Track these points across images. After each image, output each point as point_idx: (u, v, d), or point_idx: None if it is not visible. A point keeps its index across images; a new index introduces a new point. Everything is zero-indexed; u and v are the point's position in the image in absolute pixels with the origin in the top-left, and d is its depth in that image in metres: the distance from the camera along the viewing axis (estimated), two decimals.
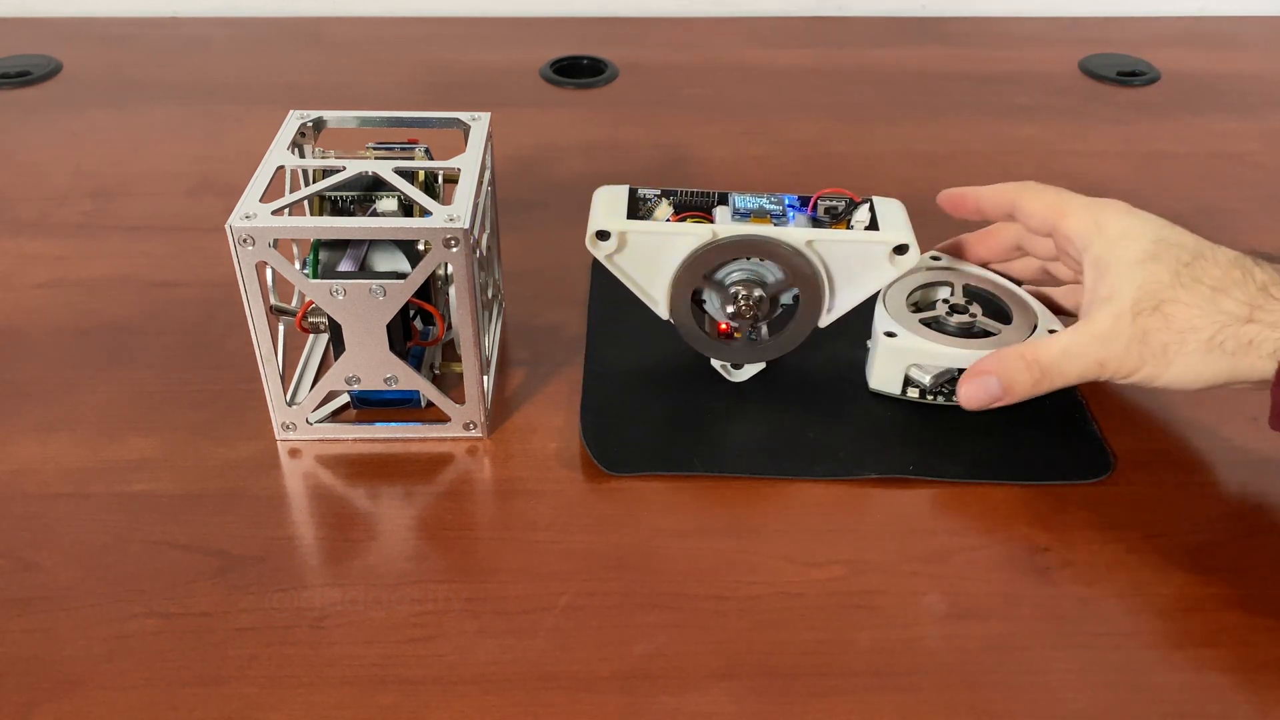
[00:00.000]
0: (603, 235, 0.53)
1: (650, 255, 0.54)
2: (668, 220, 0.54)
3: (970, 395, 0.51)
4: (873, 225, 0.53)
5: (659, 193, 0.55)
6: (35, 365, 0.59)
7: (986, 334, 0.55)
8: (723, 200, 0.55)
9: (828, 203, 0.54)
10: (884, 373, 0.56)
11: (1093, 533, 0.50)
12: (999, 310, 0.57)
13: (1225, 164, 0.81)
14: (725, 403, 0.57)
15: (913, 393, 0.56)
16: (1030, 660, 0.45)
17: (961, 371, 0.54)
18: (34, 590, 0.47)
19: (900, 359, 0.55)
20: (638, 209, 0.55)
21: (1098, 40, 1.00)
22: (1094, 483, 0.53)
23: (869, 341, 0.57)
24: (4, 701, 0.42)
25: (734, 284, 0.53)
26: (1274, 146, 0.84)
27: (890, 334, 0.55)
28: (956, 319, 0.56)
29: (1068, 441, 0.55)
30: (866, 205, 0.54)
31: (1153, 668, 0.44)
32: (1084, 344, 0.48)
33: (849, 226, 0.54)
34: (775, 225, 0.53)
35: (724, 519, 0.51)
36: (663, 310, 0.55)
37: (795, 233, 0.52)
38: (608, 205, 0.54)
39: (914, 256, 0.53)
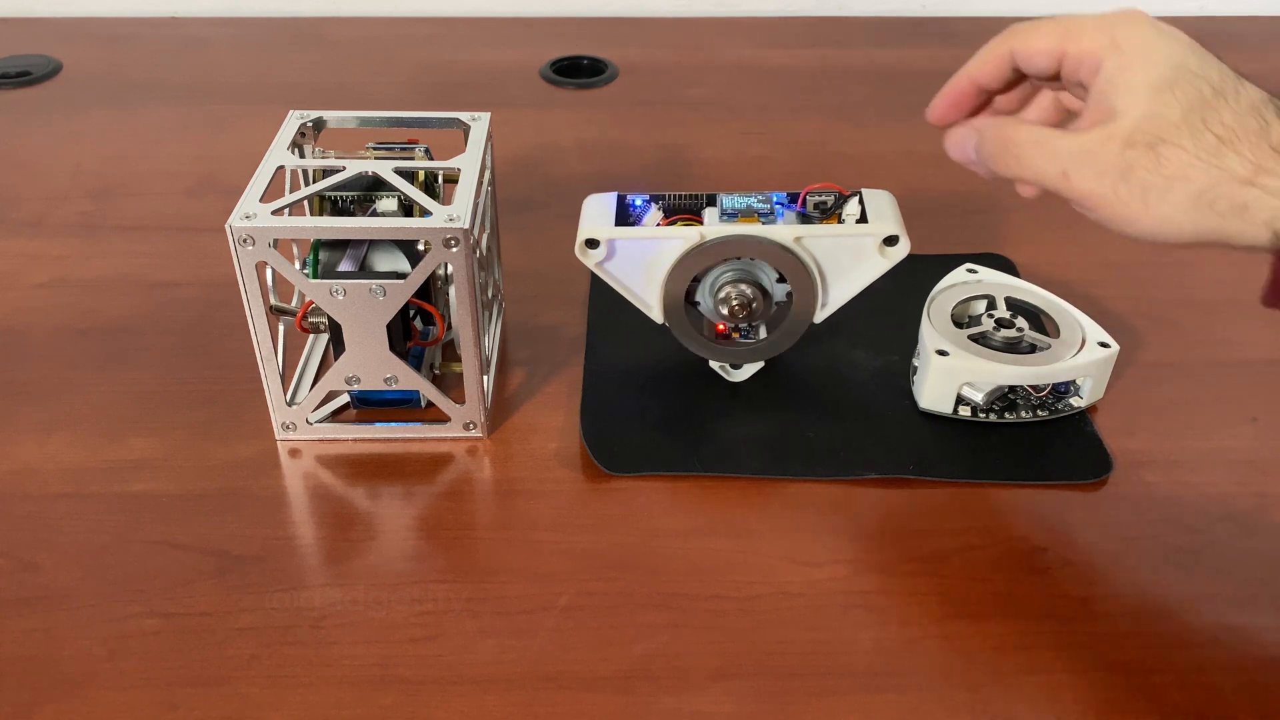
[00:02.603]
0: (592, 243, 0.53)
1: (640, 260, 0.54)
2: (657, 225, 0.54)
3: (950, 146, 0.49)
4: (863, 219, 0.53)
5: (647, 198, 0.55)
6: (35, 365, 0.59)
7: (1035, 348, 0.55)
8: (711, 202, 0.55)
9: (816, 198, 0.54)
10: (936, 392, 0.54)
11: (1092, 533, 0.50)
12: (1042, 323, 0.57)
13: None
14: (725, 403, 0.57)
15: (964, 411, 0.55)
16: (1029, 660, 0.45)
17: (1013, 389, 0.54)
18: (34, 590, 0.47)
19: (953, 378, 0.54)
20: (627, 215, 0.55)
21: None
22: (1093, 483, 0.53)
23: (914, 359, 0.56)
24: (4, 701, 0.42)
25: (725, 284, 0.53)
26: None
27: (942, 352, 0.54)
28: (1003, 334, 0.55)
29: (1067, 442, 0.54)
30: (855, 198, 0.54)
31: (1152, 668, 0.44)
32: (1057, 145, 0.43)
33: (840, 220, 0.54)
34: (763, 224, 0.52)
35: (724, 519, 0.51)
36: (657, 314, 0.55)
37: (783, 230, 0.52)
38: (596, 213, 0.54)
39: (904, 247, 0.52)
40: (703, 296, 0.55)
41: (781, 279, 0.54)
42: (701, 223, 0.54)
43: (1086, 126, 0.43)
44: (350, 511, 0.51)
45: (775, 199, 0.55)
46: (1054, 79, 0.47)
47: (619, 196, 0.55)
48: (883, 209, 0.53)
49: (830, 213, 0.54)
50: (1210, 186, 0.40)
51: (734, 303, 0.53)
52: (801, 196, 0.54)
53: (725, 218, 0.53)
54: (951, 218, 0.72)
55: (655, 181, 0.77)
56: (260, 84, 0.90)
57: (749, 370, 0.58)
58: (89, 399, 0.57)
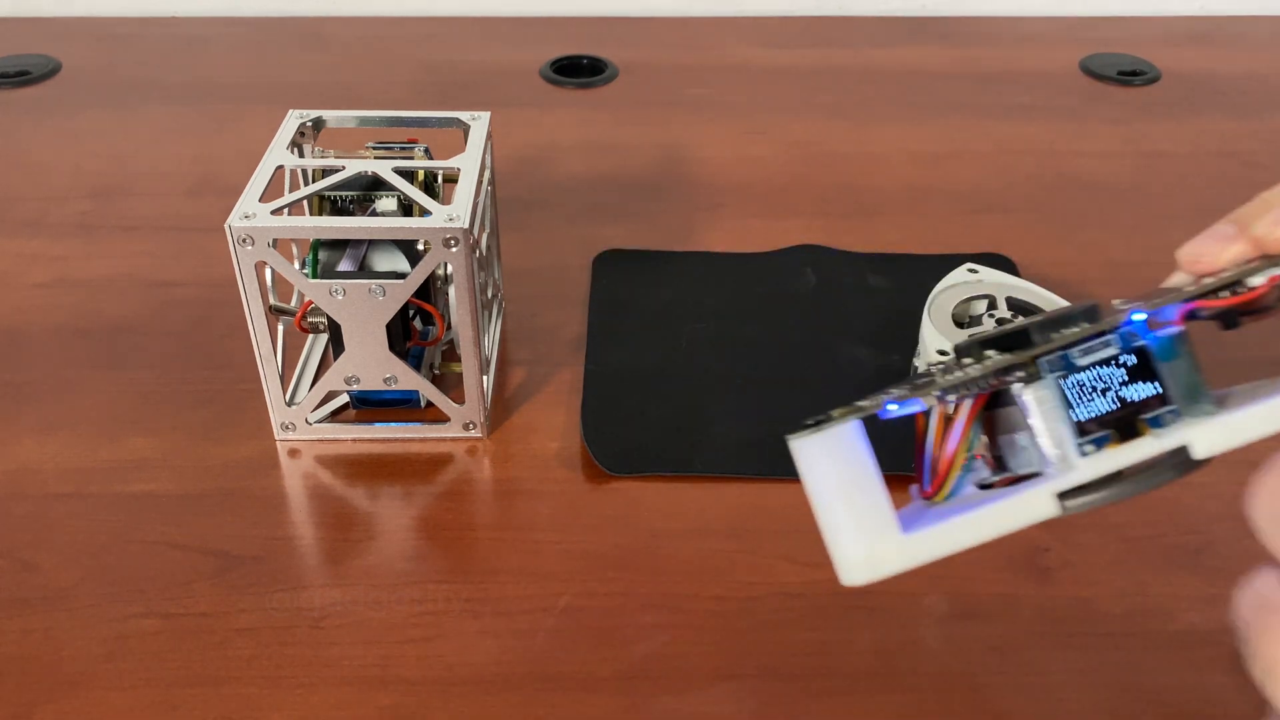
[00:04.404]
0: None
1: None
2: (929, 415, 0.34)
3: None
4: None
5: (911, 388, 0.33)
6: (34, 365, 0.59)
7: None
8: (1029, 378, 0.32)
9: (1208, 310, 0.34)
10: None
11: (1093, 533, 0.50)
12: None
13: (1225, 164, 0.81)
14: (725, 403, 0.56)
15: None
16: (1031, 661, 0.45)
17: None
18: (33, 590, 0.47)
19: None
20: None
21: (1098, 40, 1.00)
22: None
23: (915, 359, 0.56)
24: (4, 701, 0.42)
25: None
26: (1274, 146, 0.83)
27: (943, 352, 0.53)
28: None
29: None
30: None
31: (1153, 669, 0.44)
32: None
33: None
34: (1157, 432, 0.33)
35: (724, 519, 0.51)
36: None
37: (1201, 437, 0.34)
38: (846, 495, 0.34)
39: None
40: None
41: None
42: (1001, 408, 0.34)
43: None
44: (350, 512, 0.51)
45: (1128, 339, 0.32)
46: None
47: (862, 429, 0.33)
48: None
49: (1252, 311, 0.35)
50: None
51: None
52: (1183, 314, 0.33)
53: (1084, 443, 0.32)
54: (952, 217, 0.72)
55: (655, 181, 0.77)
56: (260, 83, 0.90)
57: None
58: (88, 399, 0.57)
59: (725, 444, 0.54)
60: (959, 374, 0.33)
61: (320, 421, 0.55)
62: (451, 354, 0.57)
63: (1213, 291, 0.33)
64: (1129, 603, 0.47)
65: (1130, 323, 0.33)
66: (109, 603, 0.46)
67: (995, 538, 0.32)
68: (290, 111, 0.57)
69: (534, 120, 0.84)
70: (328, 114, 0.57)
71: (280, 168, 0.52)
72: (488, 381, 0.56)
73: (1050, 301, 0.58)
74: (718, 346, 0.60)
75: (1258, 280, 0.33)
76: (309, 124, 0.56)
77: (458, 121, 0.57)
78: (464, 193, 0.50)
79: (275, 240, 0.48)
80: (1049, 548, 0.49)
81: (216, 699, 0.43)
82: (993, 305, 0.57)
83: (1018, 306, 0.57)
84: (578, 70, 0.93)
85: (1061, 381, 0.33)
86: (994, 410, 0.35)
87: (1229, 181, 0.79)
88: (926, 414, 0.34)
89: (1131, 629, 0.46)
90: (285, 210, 0.49)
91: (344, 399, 0.55)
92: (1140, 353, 0.33)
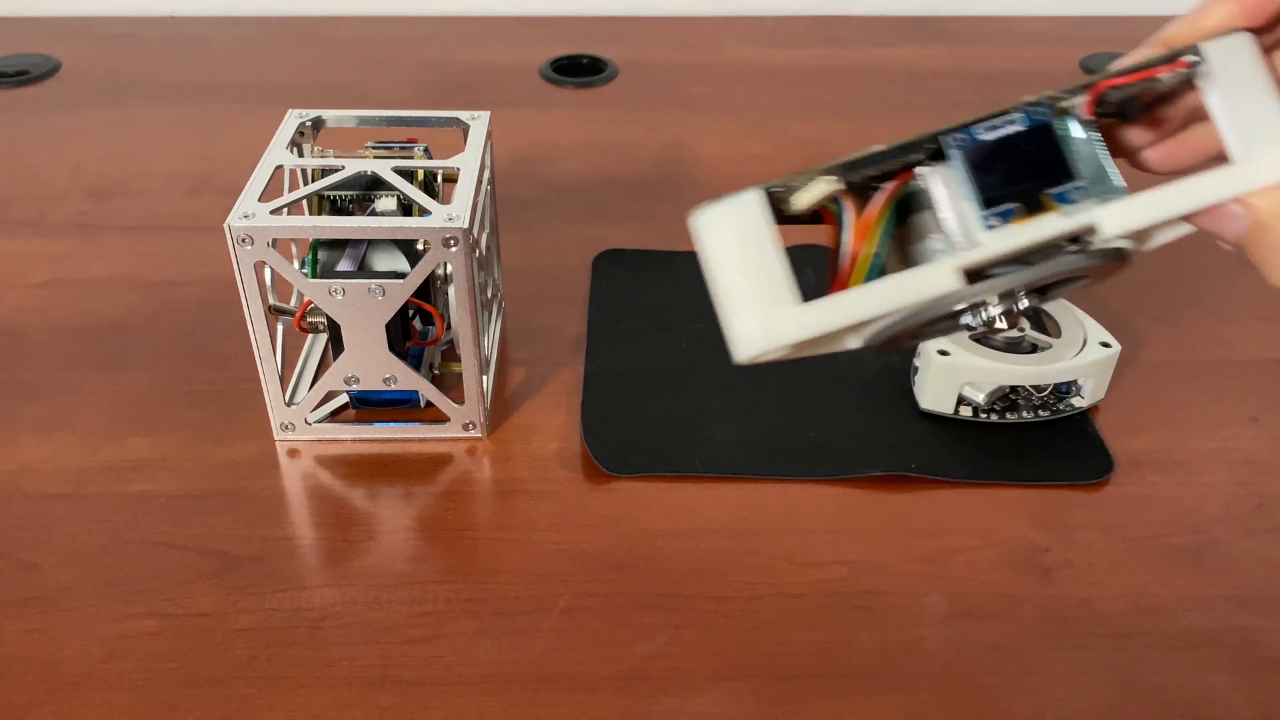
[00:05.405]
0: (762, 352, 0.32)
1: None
2: (840, 212, 0.33)
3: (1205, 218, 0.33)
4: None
5: (818, 171, 0.32)
6: (33, 365, 0.59)
7: (1036, 348, 0.54)
8: (935, 154, 0.32)
9: (1116, 94, 0.34)
10: (937, 392, 0.54)
11: (1093, 533, 0.50)
12: (1043, 322, 0.56)
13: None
14: (726, 403, 0.56)
15: (965, 411, 0.54)
16: (1031, 661, 0.45)
17: (1014, 389, 0.53)
18: (33, 591, 0.47)
19: (954, 377, 0.53)
20: (784, 209, 0.33)
21: (1098, 40, 1.00)
22: (1094, 483, 0.53)
23: (915, 359, 0.56)
24: (3, 702, 0.42)
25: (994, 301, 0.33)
26: None
27: (943, 352, 0.53)
28: (1004, 334, 0.55)
29: (1068, 442, 0.54)
30: (1200, 73, 0.33)
31: (1153, 669, 0.44)
32: None
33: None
34: (1066, 210, 0.32)
35: (724, 520, 0.51)
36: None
37: (1109, 215, 0.32)
38: (745, 267, 0.32)
39: None
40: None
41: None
42: (925, 193, 0.33)
43: None
44: (349, 512, 0.51)
45: (1033, 115, 0.32)
46: None
47: (765, 191, 0.32)
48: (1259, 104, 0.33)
49: (1150, 108, 0.36)
50: None
51: (1007, 317, 0.33)
52: (1091, 99, 0.33)
53: (989, 216, 0.32)
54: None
55: (655, 181, 0.77)
56: (259, 83, 0.90)
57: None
58: (87, 399, 0.57)
59: (725, 444, 0.54)
60: (863, 153, 0.32)
61: (320, 421, 0.55)
62: (451, 354, 0.57)
63: (1115, 75, 0.33)
64: (1129, 603, 0.47)
65: (1037, 103, 0.33)
66: (108, 603, 0.46)
67: (894, 309, 0.32)
68: (289, 111, 0.56)
69: (534, 120, 0.84)
70: (327, 113, 0.57)
71: (280, 167, 0.52)
72: (487, 381, 0.56)
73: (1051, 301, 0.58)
74: (718, 346, 0.59)
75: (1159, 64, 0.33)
76: (308, 123, 0.56)
77: (457, 121, 0.57)
78: (464, 192, 0.50)
79: (275, 240, 0.48)
80: (1049, 548, 0.49)
81: (216, 699, 0.43)
82: None
83: None
84: (578, 70, 0.93)
85: (966, 159, 0.32)
86: (909, 218, 0.34)
87: None
88: (839, 216, 0.33)
89: (1132, 629, 0.46)
90: (285, 210, 0.49)
91: (343, 399, 0.55)
92: (1047, 133, 0.33)
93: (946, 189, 0.32)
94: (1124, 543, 0.50)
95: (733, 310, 0.32)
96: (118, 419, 0.56)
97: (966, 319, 0.33)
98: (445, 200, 0.50)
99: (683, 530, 0.50)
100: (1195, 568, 0.48)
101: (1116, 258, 0.33)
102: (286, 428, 0.54)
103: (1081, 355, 0.54)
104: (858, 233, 0.33)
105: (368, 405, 0.56)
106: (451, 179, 0.52)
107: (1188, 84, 0.34)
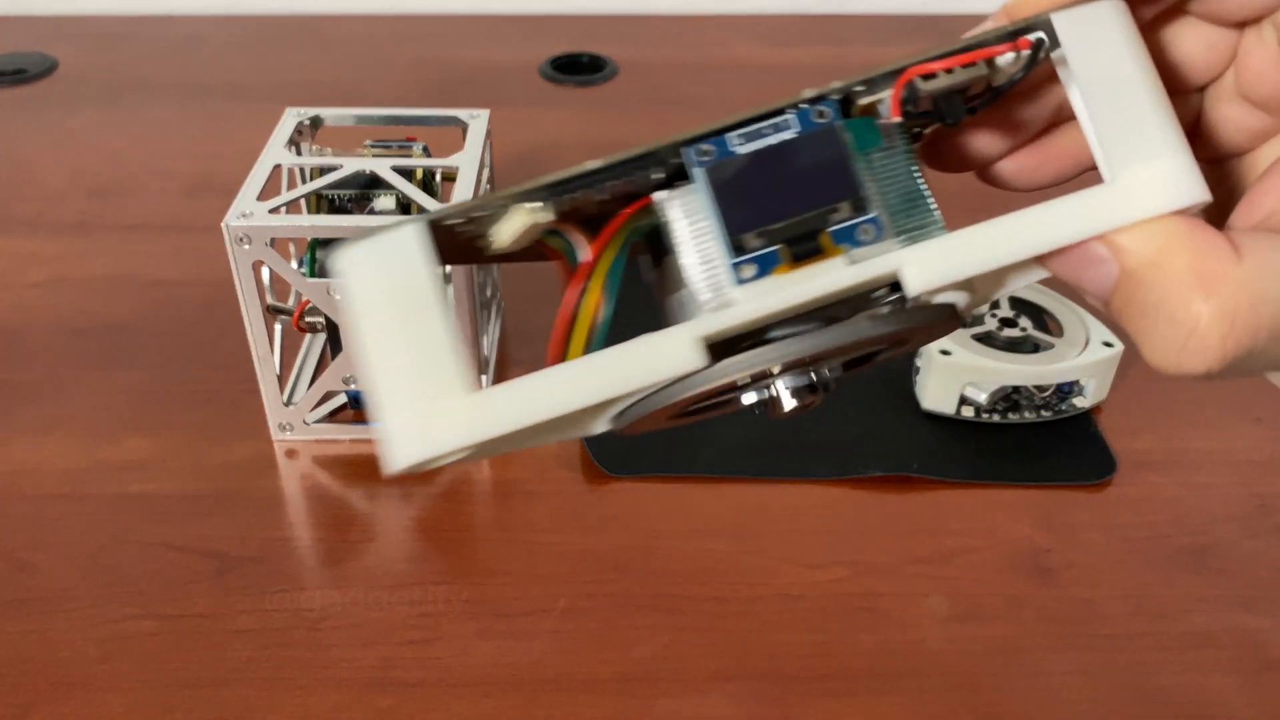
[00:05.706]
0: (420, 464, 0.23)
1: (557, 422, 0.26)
2: (570, 251, 0.26)
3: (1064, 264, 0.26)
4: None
5: (513, 195, 0.25)
6: (31, 365, 0.59)
7: (1038, 348, 0.54)
8: (675, 175, 0.25)
9: (930, 85, 0.24)
10: (938, 392, 0.54)
11: (1095, 534, 0.50)
12: (1045, 321, 0.56)
13: None
14: None
15: (967, 412, 0.54)
16: (1033, 662, 0.44)
17: (1017, 389, 0.53)
18: (30, 592, 0.47)
19: (956, 377, 0.53)
20: (483, 246, 0.27)
21: None
22: (1096, 484, 0.52)
23: (917, 359, 0.56)
24: (0, 703, 0.42)
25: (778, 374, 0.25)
26: None
27: (945, 352, 0.53)
28: (1007, 333, 0.54)
29: (1070, 443, 0.54)
30: (1055, 56, 0.24)
31: (1156, 670, 0.44)
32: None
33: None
34: (852, 253, 0.24)
35: (724, 520, 0.50)
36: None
37: (915, 262, 0.24)
38: (398, 335, 0.23)
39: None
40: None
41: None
42: (660, 238, 0.25)
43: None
44: (348, 512, 0.51)
45: (810, 118, 0.25)
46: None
47: (431, 225, 0.24)
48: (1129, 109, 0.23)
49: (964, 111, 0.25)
50: None
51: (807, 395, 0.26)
52: (897, 94, 0.24)
53: (740, 264, 0.23)
54: (952, 216, 0.72)
55: None
56: (257, 82, 0.89)
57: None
58: (85, 399, 0.57)
59: (725, 444, 0.54)
60: (574, 170, 0.24)
61: (318, 422, 0.54)
62: None
63: (929, 59, 0.23)
64: (1131, 604, 0.47)
65: (818, 98, 0.23)
66: (106, 604, 0.46)
67: (611, 397, 0.23)
68: (288, 110, 0.56)
69: (533, 118, 0.84)
70: (325, 112, 0.56)
71: (278, 166, 0.52)
72: (487, 381, 0.56)
73: (1054, 301, 0.57)
74: None
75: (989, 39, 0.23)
76: (306, 122, 0.56)
77: (456, 119, 0.57)
78: (463, 191, 0.50)
79: (273, 239, 0.47)
80: (1051, 548, 0.49)
81: (214, 701, 0.42)
82: (995, 304, 0.57)
83: (1020, 305, 0.57)
84: (577, 68, 0.93)
85: (710, 180, 0.23)
86: (664, 260, 0.25)
87: None
88: (570, 256, 0.24)
89: (1134, 630, 0.46)
90: (283, 209, 0.48)
91: (342, 399, 0.55)
92: (830, 143, 0.23)
93: (689, 224, 0.23)
94: (1126, 543, 0.50)
95: (383, 399, 0.22)
96: (115, 419, 0.55)
97: (748, 396, 0.25)
98: (444, 199, 0.50)
99: (683, 531, 0.50)
100: (1198, 569, 0.48)
101: (939, 317, 0.24)
102: (285, 428, 0.54)
103: (1084, 355, 0.54)
104: (573, 282, 0.25)
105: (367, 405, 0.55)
106: (450, 178, 0.52)
107: (1048, 69, 0.24)
